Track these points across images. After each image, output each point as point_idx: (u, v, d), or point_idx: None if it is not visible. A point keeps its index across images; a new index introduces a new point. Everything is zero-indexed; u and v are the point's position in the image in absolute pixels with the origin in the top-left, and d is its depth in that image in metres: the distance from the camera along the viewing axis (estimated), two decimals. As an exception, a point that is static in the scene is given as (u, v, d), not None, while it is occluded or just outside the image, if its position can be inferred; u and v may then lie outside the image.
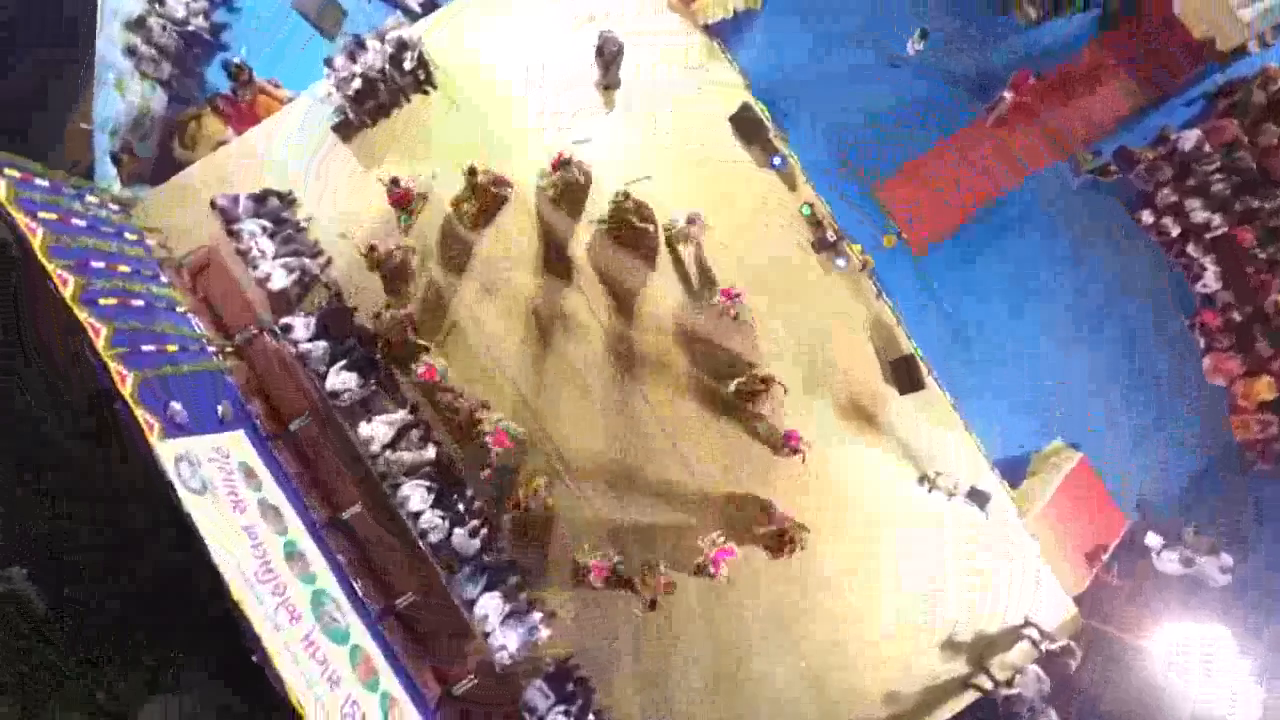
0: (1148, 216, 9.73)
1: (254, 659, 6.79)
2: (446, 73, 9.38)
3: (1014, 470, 9.45)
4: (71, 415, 9.16)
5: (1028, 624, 9.02)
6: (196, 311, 8.77)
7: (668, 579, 8.09)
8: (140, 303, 7.89)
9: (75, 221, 7.81)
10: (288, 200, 9.17)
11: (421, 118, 9.36)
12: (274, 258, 8.51)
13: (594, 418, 8.98)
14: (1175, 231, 9.62)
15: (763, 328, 8.97)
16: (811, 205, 9.08)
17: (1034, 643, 8.95)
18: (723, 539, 8.27)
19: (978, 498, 8.69)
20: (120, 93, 10.34)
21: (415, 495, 8.21)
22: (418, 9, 10.21)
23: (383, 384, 8.83)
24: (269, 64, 10.50)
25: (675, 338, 9.03)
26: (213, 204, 8.54)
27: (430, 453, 8.59)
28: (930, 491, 8.90)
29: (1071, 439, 9.67)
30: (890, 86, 9.76)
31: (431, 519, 8.19)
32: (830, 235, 8.95)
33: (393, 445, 8.42)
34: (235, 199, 8.63)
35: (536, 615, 8.42)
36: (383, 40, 8.85)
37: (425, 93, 9.36)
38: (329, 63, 8.86)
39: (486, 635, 8.03)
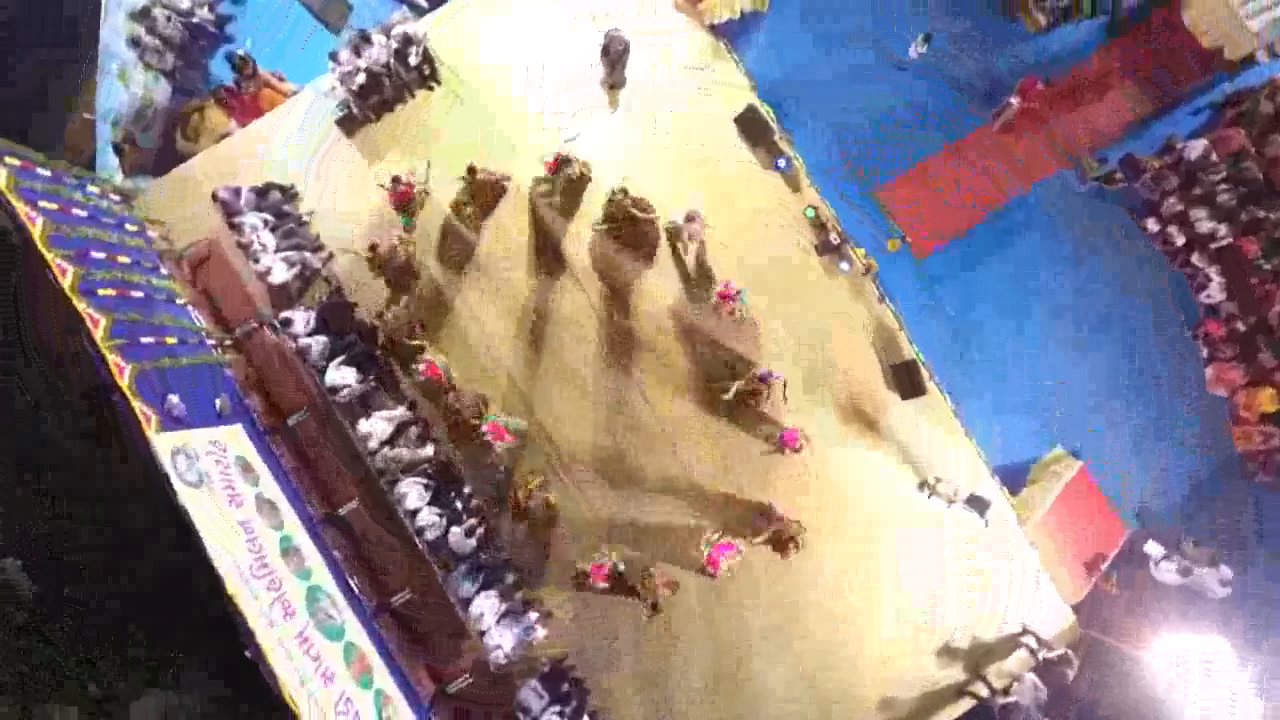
0: (1153, 225, 9.70)
1: (247, 654, 6.76)
2: (449, 69, 9.34)
3: (1014, 477, 9.41)
4: (71, 415, 9.18)
5: (1025, 632, 9.00)
6: (196, 304, 8.76)
7: (669, 578, 8.06)
8: (140, 294, 7.87)
9: (76, 211, 7.79)
10: (290, 194, 9.13)
11: (423, 115, 9.33)
12: (275, 251, 8.48)
13: (593, 417, 8.96)
14: (1180, 241, 9.60)
15: (763, 327, 8.95)
16: (816, 208, 9.05)
17: (1031, 651, 8.92)
18: (719, 535, 8.26)
19: (977, 504, 8.67)
20: (124, 83, 10.32)
21: (413, 493, 8.18)
22: (424, 4, 10.18)
23: (382, 380, 8.79)
24: (273, 57, 10.47)
25: (675, 337, 9.00)
26: (214, 196, 8.50)
27: (428, 450, 8.55)
28: (930, 498, 8.88)
29: (1072, 440, 9.65)
30: (896, 90, 9.72)
31: (428, 517, 8.17)
32: (834, 238, 8.94)
33: (391, 442, 8.39)
34: (237, 191, 8.59)
35: (532, 615, 8.39)
36: (388, 35, 8.82)
37: (430, 88, 9.33)
38: (334, 57, 8.83)
39: (481, 634, 8.01)
